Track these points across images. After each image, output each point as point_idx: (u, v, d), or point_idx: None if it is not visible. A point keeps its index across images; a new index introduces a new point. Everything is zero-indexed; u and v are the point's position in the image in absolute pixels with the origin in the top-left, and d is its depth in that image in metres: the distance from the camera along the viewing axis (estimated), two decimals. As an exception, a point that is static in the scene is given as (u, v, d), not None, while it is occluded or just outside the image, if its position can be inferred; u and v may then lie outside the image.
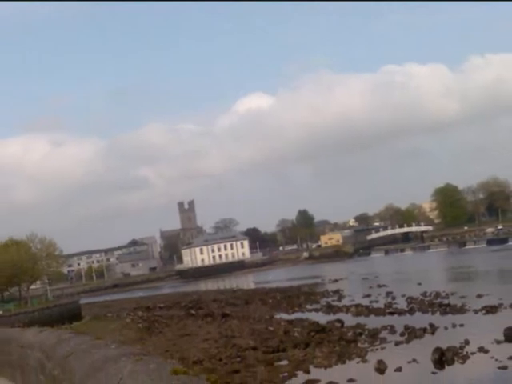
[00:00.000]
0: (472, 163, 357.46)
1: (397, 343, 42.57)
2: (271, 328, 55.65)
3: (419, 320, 50.42)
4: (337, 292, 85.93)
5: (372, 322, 53.08)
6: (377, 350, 41.03)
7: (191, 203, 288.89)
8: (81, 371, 7.87)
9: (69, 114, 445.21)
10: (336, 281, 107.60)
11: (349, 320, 55.54)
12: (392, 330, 47.22)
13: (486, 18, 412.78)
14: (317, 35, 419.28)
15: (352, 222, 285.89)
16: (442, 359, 35.16)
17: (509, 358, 33.44)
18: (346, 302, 72.69)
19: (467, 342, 38.29)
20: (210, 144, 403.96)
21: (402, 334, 45.17)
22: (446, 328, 45.63)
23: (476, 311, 52.23)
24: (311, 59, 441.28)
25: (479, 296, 59.81)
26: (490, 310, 51.49)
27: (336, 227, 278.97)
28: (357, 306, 65.55)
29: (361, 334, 46.92)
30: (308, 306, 73.62)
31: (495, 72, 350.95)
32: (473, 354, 35.87)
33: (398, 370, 34.26)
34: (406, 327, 46.65)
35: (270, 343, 46.01)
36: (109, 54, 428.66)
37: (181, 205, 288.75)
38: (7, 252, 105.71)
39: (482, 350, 36.31)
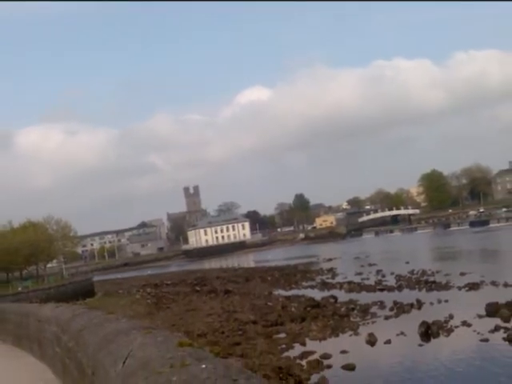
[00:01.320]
0: (456, 151, 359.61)
1: (386, 317, 42.64)
2: (270, 303, 55.72)
3: (407, 296, 50.47)
4: (331, 270, 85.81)
5: (363, 297, 53.07)
6: (368, 323, 41.12)
7: (196, 188, 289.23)
8: (94, 343, 7.87)
9: (82, 105, 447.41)
10: (330, 260, 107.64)
11: (342, 296, 55.54)
12: (382, 305, 47.27)
13: (469, 16, 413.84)
14: (313, 33, 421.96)
15: (345, 206, 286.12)
16: (428, 332, 35.26)
17: (490, 332, 33.53)
18: (339, 279, 72.46)
19: (451, 317, 38.40)
20: (213, 133, 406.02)
21: (391, 309, 45.25)
22: (431, 303, 45.68)
23: (459, 288, 52.28)
24: (307, 55, 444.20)
25: (462, 274, 59.84)
26: (473, 286, 51.55)
27: (330, 210, 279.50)
28: (349, 283, 65.60)
29: (353, 309, 47.00)
30: (304, 283, 73.55)
31: (478, 67, 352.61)
32: (456, 327, 35.96)
33: (388, 342, 34.36)
34: (395, 303, 46.73)
35: (268, 317, 46.08)
36: (120, 49, 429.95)
37: (186, 189, 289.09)
38: (25, 233, 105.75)
39: (465, 323, 36.40)
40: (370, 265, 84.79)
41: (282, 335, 39.79)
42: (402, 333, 36.06)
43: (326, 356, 32.19)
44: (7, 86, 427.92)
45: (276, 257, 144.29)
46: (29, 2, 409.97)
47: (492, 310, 38.65)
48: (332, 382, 27.58)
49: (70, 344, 10.39)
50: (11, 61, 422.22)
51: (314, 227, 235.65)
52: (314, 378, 28.35)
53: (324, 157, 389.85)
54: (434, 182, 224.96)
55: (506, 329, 33.60)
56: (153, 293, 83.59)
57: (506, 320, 36.25)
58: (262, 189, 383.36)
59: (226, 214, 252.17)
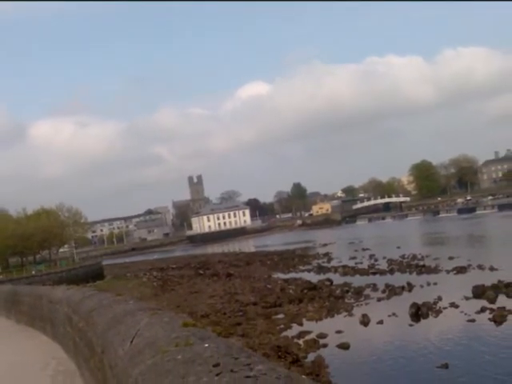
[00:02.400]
0: (445, 142, 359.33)
1: (379, 299, 42.70)
2: (269, 286, 55.74)
3: (398, 279, 50.49)
4: (326, 255, 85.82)
5: (357, 280, 53.11)
6: (361, 305, 41.17)
7: (199, 177, 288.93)
8: (103, 323, 7.87)
9: (93, 99, 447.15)
10: (326, 245, 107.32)
11: (337, 279, 55.53)
12: (375, 287, 47.29)
13: (458, 15, 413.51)
14: (310, 31, 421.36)
15: (340, 194, 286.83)
16: (418, 313, 35.31)
17: (476, 312, 33.62)
18: (334, 263, 72.40)
19: (440, 298, 38.46)
20: (216, 126, 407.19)
21: (383, 292, 45.28)
22: (421, 286, 45.72)
23: (448, 271, 52.31)
24: (305, 52, 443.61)
25: (450, 258, 59.86)
26: (460, 270, 51.54)
27: (326, 198, 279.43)
28: (344, 266, 65.55)
29: (347, 292, 47.01)
30: (301, 267, 73.48)
31: (465, 63, 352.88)
32: (445, 308, 36.02)
33: (380, 322, 34.43)
34: (387, 285, 46.77)
35: (268, 299, 46.10)
36: (128, 46, 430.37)
37: (190, 179, 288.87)
38: (39, 220, 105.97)
39: (452, 305, 36.43)
40: (364, 249, 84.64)
41: (281, 316, 39.83)
42: (394, 314, 36.12)
43: (322, 335, 32.26)
44: (22, 81, 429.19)
45: (275, 242, 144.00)
46: (39, 2, 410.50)
47: (478, 292, 38.71)
48: (328, 360, 27.62)
49: (80, 324, 10.39)
50: (26, 59, 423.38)
51: (311, 214, 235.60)
52: (311, 356, 28.44)
53: (320, 148, 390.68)
54: (423, 172, 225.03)
55: (492, 310, 33.66)
56: (159, 276, 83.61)
57: (492, 301, 36.33)
58: (262, 178, 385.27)
59: (228, 202, 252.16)
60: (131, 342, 5.75)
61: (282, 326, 36.10)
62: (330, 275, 59.57)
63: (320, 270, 67.10)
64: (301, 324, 36.61)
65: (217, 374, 3.57)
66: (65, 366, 12.45)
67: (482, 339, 29.10)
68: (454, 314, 34.98)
